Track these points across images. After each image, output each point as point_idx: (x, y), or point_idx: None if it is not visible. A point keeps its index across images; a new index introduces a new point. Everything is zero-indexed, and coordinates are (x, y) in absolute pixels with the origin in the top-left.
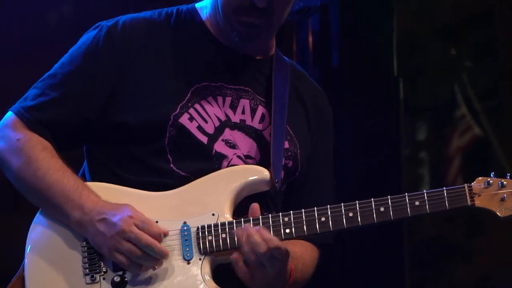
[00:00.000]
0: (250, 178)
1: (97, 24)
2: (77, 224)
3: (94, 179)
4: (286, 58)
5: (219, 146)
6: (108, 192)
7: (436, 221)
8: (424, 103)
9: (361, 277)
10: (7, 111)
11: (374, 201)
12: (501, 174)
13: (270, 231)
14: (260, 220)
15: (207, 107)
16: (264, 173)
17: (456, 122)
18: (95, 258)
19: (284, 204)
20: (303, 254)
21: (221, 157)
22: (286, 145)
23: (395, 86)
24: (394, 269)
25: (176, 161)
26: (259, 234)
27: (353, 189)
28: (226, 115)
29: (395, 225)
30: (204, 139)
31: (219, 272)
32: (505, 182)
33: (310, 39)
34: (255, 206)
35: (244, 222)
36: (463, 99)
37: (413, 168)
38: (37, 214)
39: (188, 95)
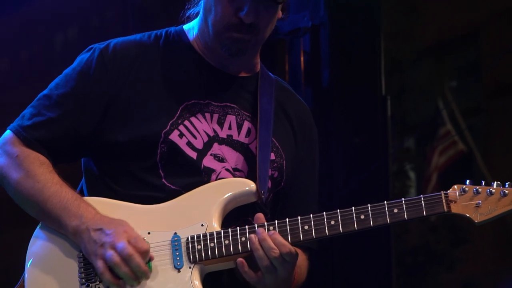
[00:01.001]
0: (237, 191)
1: (90, 47)
2: (73, 232)
3: (90, 192)
4: (271, 74)
5: (208, 161)
6: (103, 206)
7: (422, 231)
8: (410, 120)
9: (350, 285)
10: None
11: (354, 209)
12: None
13: None
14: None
15: (196, 123)
16: (251, 185)
17: (441, 138)
18: (90, 268)
19: (274, 213)
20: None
21: (209, 171)
22: (272, 156)
23: (383, 104)
24: (382, 277)
25: (168, 176)
26: (272, 239)
27: (343, 202)
28: (214, 131)
29: (383, 235)
30: (193, 155)
31: (209, 280)
32: (479, 189)
33: (302, 58)
34: (260, 216)
35: (249, 230)
36: (448, 116)
37: (401, 182)
38: (37, 228)
39: (178, 112)
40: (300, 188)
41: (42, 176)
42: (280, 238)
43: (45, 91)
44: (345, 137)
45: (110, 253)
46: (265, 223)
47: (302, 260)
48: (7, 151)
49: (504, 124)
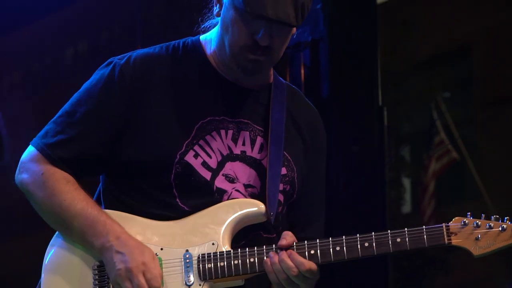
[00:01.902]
0: (246, 211)
1: (109, 61)
2: (99, 248)
3: (107, 206)
4: (282, 80)
5: (220, 182)
6: (120, 220)
7: None
8: (406, 130)
9: None
10: (28, 143)
11: (359, 237)
12: (476, 196)
13: None
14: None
15: (211, 142)
16: (260, 206)
17: (435, 147)
18: (104, 280)
19: (286, 223)
20: None
21: (222, 192)
22: (284, 171)
23: (379, 114)
24: (380, 281)
25: (181, 197)
26: (291, 258)
27: (341, 210)
28: (229, 148)
29: None
30: (207, 175)
31: None
32: (479, 223)
33: (302, 71)
34: (286, 243)
35: (258, 251)
36: (441, 126)
37: (397, 190)
38: (54, 237)
39: (193, 132)
40: (308, 194)
41: (68, 194)
42: (298, 258)
43: (67, 107)
44: (343, 146)
45: (127, 284)
46: (293, 243)
47: None
48: (32, 168)
49: (495, 134)
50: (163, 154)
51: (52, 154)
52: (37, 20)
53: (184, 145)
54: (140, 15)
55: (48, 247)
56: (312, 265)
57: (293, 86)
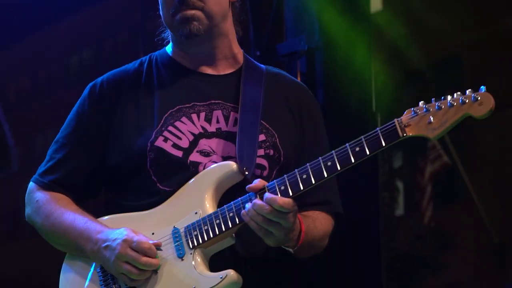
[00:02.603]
0: (220, 174)
1: (86, 88)
2: (91, 254)
3: (107, 212)
4: (260, 65)
5: (194, 157)
6: (116, 221)
7: (410, 238)
8: None
9: None
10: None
11: (321, 158)
12: (467, 199)
13: None
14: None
15: (180, 126)
16: (233, 166)
17: (427, 151)
18: (108, 278)
19: None
20: (315, 216)
21: (196, 164)
22: (263, 137)
23: (373, 120)
24: (372, 281)
25: (160, 180)
26: (261, 200)
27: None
28: (203, 128)
29: (373, 243)
30: (179, 154)
31: (217, 262)
32: (429, 107)
33: (299, 79)
34: (252, 185)
35: (235, 204)
36: None
37: (389, 193)
38: (64, 261)
39: (162, 121)
40: (309, 158)
41: (58, 211)
42: (269, 195)
43: (55, 139)
44: None
45: (126, 267)
46: (263, 185)
47: (322, 218)
48: (30, 199)
49: (484, 140)
50: (137, 147)
51: (44, 180)
52: (43, 30)
53: (154, 133)
54: (142, 24)
55: (63, 266)
56: (284, 199)
57: (275, 68)
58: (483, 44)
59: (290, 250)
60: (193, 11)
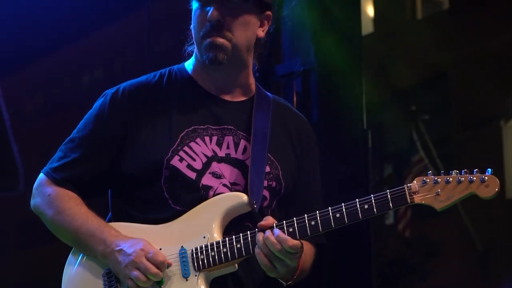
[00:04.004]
0: (232, 204)
1: (104, 93)
2: (102, 255)
3: (115, 219)
4: (269, 94)
5: (206, 179)
6: (124, 230)
7: (398, 246)
8: (389, 150)
9: None
10: (40, 172)
11: (331, 209)
12: (453, 210)
13: None
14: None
15: (195, 147)
16: (243, 198)
17: (415, 164)
18: (113, 283)
19: (280, 218)
20: (305, 249)
21: (207, 188)
22: (268, 169)
23: (364, 137)
24: (364, 286)
25: (172, 198)
26: (275, 236)
27: None
28: (213, 151)
29: (364, 249)
30: (192, 175)
31: (215, 284)
32: (438, 179)
33: (295, 98)
34: (265, 222)
35: (243, 237)
36: (421, 145)
37: None
38: (70, 254)
39: (178, 140)
40: (303, 192)
41: (70, 210)
42: (282, 235)
43: (70, 136)
44: (332, 166)
45: (135, 273)
46: (274, 224)
47: (308, 248)
48: (41, 191)
49: (470, 153)
50: (152, 162)
51: (56, 176)
52: (56, 49)
53: (170, 151)
54: (148, 43)
55: (67, 261)
56: (294, 242)
57: (281, 99)
58: (468, 63)
59: (283, 282)
60: (222, 40)
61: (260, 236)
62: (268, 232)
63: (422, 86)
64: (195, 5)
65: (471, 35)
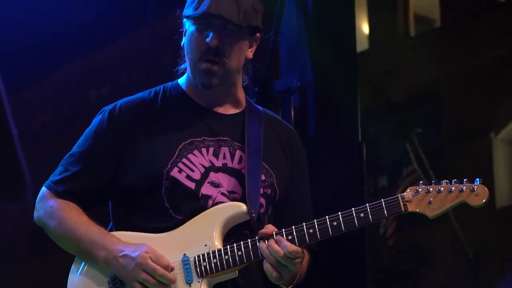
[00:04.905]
0: (232, 213)
1: (102, 110)
2: (104, 262)
3: (117, 228)
4: (259, 107)
5: (205, 189)
6: (127, 238)
7: (392, 253)
8: (383, 162)
9: None
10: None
11: (328, 217)
12: (445, 219)
13: None
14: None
15: (193, 158)
16: (243, 207)
17: (408, 175)
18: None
19: (275, 224)
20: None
21: (206, 198)
22: (263, 177)
23: (359, 149)
24: None
25: (173, 208)
26: (277, 242)
27: None
28: (211, 162)
29: (359, 256)
30: (192, 185)
31: None
32: (430, 189)
33: (292, 112)
34: (265, 230)
35: (244, 244)
36: (414, 157)
37: None
38: (73, 263)
39: (176, 152)
40: (295, 199)
41: (72, 219)
42: (284, 241)
43: (71, 151)
44: (328, 177)
45: (143, 275)
46: (283, 230)
47: (305, 253)
48: (44, 204)
49: (461, 164)
50: (153, 174)
51: (58, 189)
52: (64, 67)
53: (169, 163)
54: (150, 61)
55: (71, 270)
56: (293, 247)
57: (270, 112)
58: (458, 78)
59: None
60: (216, 67)
61: (263, 245)
62: (271, 240)
63: (415, 100)
64: (191, 28)
65: (461, 52)
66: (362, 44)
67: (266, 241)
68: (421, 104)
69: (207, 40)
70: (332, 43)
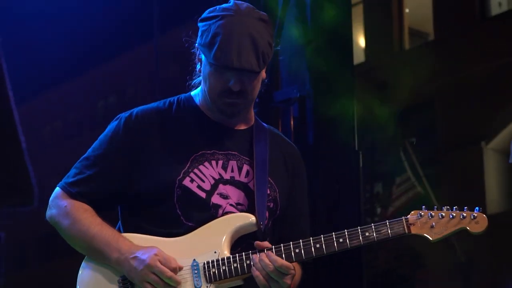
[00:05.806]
0: (241, 223)
1: (117, 116)
2: (116, 263)
3: (125, 230)
4: (265, 124)
5: (215, 199)
6: (138, 240)
7: (388, 258)
8: (379, 169)
9: None
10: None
11: (334, 234)
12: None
13: None
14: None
15: (204, 170)
16: (252, 218)
17: (402, 183)
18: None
19: (273, 236)
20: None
21: (217, 207)
22: (268, 191)
23: (356, 157)
24: None
25: (184, 215)
26: (267, 257)
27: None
28: (220, 174)
29: (356, 261)
30: (203, 195)
31: None
32: (433, 214)
33: (292, 122)
34: (259, 243)
35: (252, 254)
36: (408, 165)
37: (371, 219)
38: (83, 262)
39: (188, 163)
40: (294, 213)
41: (86, 220)
42: (273, 256)
43: (85, 154)
44: (326, 184)
45: (152, 276)
46: (272, 247)
47: (297, 267)
48: (57, 203)
49: (454, 173)
50: (166, 181)
51: (72, 190)
52: (74, 79)
53: (182, 172)
54: (157, 73)
55: (80, 269)
56: (283, 262)
57: (274, 129)
58: (452, 90)
59: None
60: (240, 100)
61: (256, 258)
62: (262, 254)
63: (409, 111)
64: (210, 66)
65: (454, 64)
66: (358, 57)
67: (258, 254)
68: (415, 115)
69: (230, 84)
70: (330, 55)
